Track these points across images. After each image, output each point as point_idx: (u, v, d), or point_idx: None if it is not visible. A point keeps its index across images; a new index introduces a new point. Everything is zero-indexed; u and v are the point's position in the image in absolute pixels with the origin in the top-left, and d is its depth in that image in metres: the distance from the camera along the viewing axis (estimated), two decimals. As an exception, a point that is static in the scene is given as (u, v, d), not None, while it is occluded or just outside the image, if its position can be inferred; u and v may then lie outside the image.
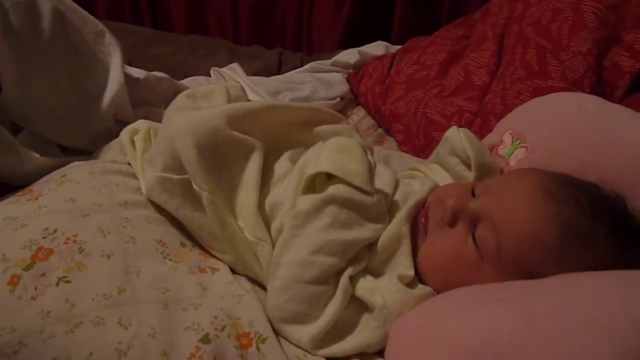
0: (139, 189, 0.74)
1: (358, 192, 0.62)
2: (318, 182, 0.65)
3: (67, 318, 0.55)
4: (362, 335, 0.62)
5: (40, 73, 0.80)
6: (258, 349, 0.59)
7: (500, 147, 0.84)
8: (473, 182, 0.73)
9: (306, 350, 0.62)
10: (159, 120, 0.79)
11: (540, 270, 0.59)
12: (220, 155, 0.68)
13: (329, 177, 0.64)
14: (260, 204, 0.68)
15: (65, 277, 0.58)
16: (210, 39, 1.70)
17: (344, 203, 0.62)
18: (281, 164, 0.73)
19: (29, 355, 0.53)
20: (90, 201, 0.68)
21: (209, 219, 0.67)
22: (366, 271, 0.65)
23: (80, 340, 0.54)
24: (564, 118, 0.80)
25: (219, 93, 0.79)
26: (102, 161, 0.80)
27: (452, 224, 0.65)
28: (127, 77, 0.92)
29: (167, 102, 0.78)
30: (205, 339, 0.57)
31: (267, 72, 1.46)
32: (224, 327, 0.59)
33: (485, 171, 0.77)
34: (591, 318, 0.49)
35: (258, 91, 1.24)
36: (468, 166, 0.78)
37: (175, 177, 0.69)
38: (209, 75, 1.33)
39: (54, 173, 0.77)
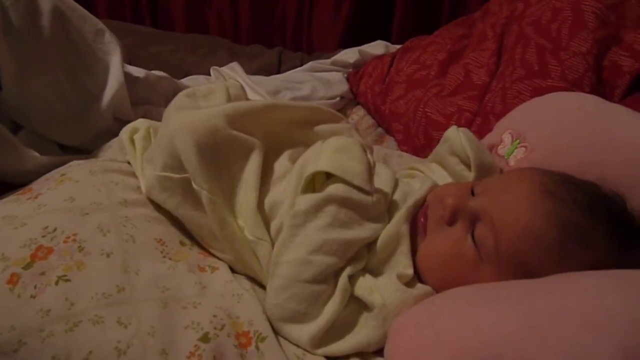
0: (139, 187, 0.74)
1: (357, 191, 0.63)
2: (317, 181, 0.65)
3: (66, 317, 0.55)
4: (361, 334, 0.62)
5: (39, 71, 0.80)
6: (257, 348, 0.59)
7: (499, 147, 0.84)
8: (472, 182, 0.73)
9: (305, 350, 0.62)
10: (159, 119, 0.79)
11: (539, 269, 0.59)
12: (220, 155, 0.68)
13: (329, 177, 0.64)
14: (260, 203, 0.68)
15: (65, 275, 0.58)
16: (210, 38, 1.70)
17: (343, 202, 0.62)
18: (281, 163, 0.73)
19: (28, 354, 0.53)
20: (90, 200, 0.68)
21: (209, 218, 0.67)
22: (365, 270, 0.65)
23: (79, 339, 0.54)
24: (563, 118, 0.80)
25: (218, 92, 0.79)
26: (101, 160, 0.80)
27: (451, 222, 0.65)
28: (127, 76, 0.92)
29: (166, 101, 0.78)
30: (205, 338, 0.57)
31: (267, 71, 1.46)
32: (223, 326, 0.59)
33: (484, 171, 0.77)
34: (590, 317, 0.49)
35: (258, 90, 1.24)
36: (467, 166, 0.78)
37: (175, 176, 0.69)
38: (209, 74, 1.34)
39: (53, 172, 0.77)
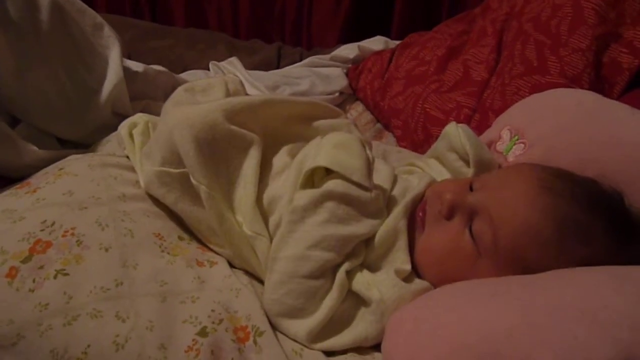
0: (137, 182, 0.74)
1: (356, 187, 0.63)
2: (317, 176, 0.65)
3: (64, 310, 0.56)
4: (359, 329, 0.62)
5: (38, 65, 0.80)
6: (255, 342, 0.59)
7: (498, 143, 0.84)
8: (471, 178, 0.73)
9: (303, 344, 0.62)
10: (158, 114, 0.78)
11: (537, 264, 0.60)
12: (218, 150, 0.68)
13: (328, 172, 0.64)
14: (259, 199, 0.68)
15: (63, 269, 0.58)
16: (209, 32, 1.70)
17: (342, 198, 0.62)
18: (279, 158, 0.73)
19: (26, 348, 0.53)
20: (89, 194, 0.68)
21: (207, 213, 0.67)
22: (363, 266, 0.65)
23: (77, 332, 0.54)
24: (562, 114, 0.80)
25: (217, 87, 0.79)
26: (100, 154, 0.80)
27: (449, 217, 0.65)
28: (126, 70, 0.92)
29: (165, 96, 0.78)
30: (203, 332, 0.57)
31: (266, 67, 1.45)
32: (221, 321, 0.59)
33: (483, 167, 0.77)
34: (588, 313, 0.49)
35: (257, 85, 1.24)
36: (466, 162, 0.78)
37: (174, 171, 0.69)
38: (208, 69, 1.33)
39: (52, 166, 0.77)
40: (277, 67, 1.48)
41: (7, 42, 0.77)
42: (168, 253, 0.65)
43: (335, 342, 0.62)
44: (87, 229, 0.63)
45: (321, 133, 0.76)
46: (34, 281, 0.57)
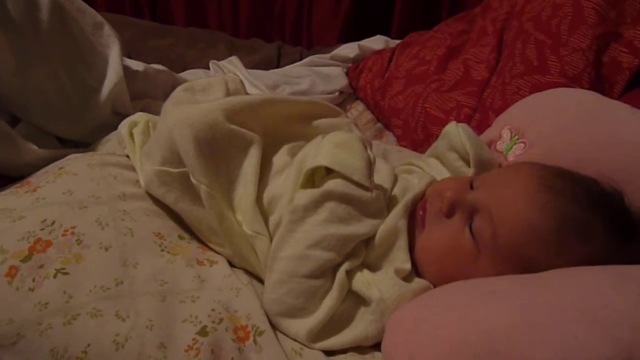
0: (137, 181, 0.74)
1: (357, 187, 0.63)
2: (317, 176, 0.65)
3: (64, 310, 0.56)
4: (358, 328, 0.62)
5: (38, 64, 0.80)
6: (255, 342, 0.59)
7: (498, 143, 0.84)
8: (471, 176, 0.73)
9: (303, 344, 0.62)
10: (158, 113, 0.78)
11: (537, 262, 0.60)
12: (218, 149, 0.68)
13: (329, 172, 0.64)
14: (259, 198, 0.68)
15: (63, 269, 0.58)
16: (209, 32, 1.69)
17: (342, 198, 0.62)
18: (279, 157, 0.73)
19: (26, 347, 0.53)
20: (88, 193, 0.68)
21: (207, 213, 0.67)
22: (363, 265, 0.65)
23: (77, 331, 0.54)
24: (562, 114, 0.80)
25: (217, 86, 0.79)
26: (100, 153, 0.80)
27: (449, 215, 0.65)
28: (126, 70, 0.92)
29: (165, 95, 0.78)
30: (203, 332, 0.57)
31: (266, 66, 1.45)
32: (221, 320, 0.59)
33: (484, 166, 0.77)
34: (587, 313, 0.49)
35: (257, 84, 1.24)
36: (466, 162, 0.78)
37: (174, 170, 0.69)
38: (208, 68, 1.33)
39: (51, 165, 0.77)
40: (277, 67, 1.48)
41: (7, 41, 0.77)
42: (168, 252, 0.65)
43: (335, 341, 0.62)
44: (87, 228, 0.63)
45: (321, 132, 0.76)
46: (33, 280, 0.57)
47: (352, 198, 0.62)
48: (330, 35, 1.84)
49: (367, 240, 0.65)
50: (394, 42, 1.49)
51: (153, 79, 1.01)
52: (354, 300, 0.63)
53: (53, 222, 0.63)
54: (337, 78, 1.40)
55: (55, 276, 0.58)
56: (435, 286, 0.64)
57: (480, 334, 0.51)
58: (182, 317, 0.58)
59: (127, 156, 0.79)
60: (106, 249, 0.62)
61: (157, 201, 0.72)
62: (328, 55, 1.48)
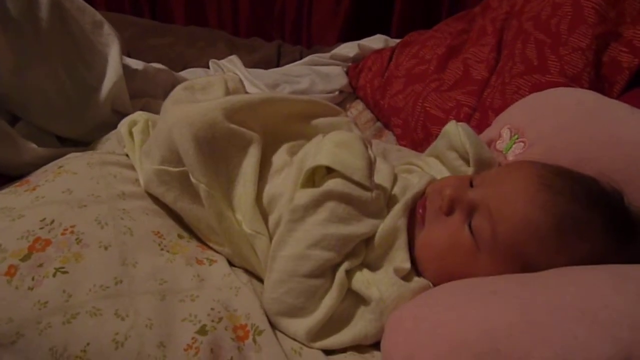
0: (137, 180, 0.74)
1: (357, 187, 0.63)
2: (317, 175, 0.65)
3: (64, 309, 0.55)
4: (358, 327, 0.62)
5: (37, 63, 0.80)
6: (254, 341, 0.59)
7: (498, 142, 0.84)
8: (471, 175, 0.73)
9: (302, 343, 0.62)
10: (157, 112, 0.78)
11: (536, 260, 0.60)
12: (218, 148, 0.67)
13: (329, 171, 0.64)
14: (258, 197, 0.68)
15: (63, 267, 0.58)
16: (209, 30, 1.69)
17: (343, 198, 0.62)
18: (279, 156, 0.73)
19: (26, 346, 0.53)
20: (88, 192, 0.68)
21: (207, 212, 0.67)
22: (363, 265, 0.65)
23: (77, 331, 0.54)
24: (562, 113, 0.80)
25: (217, 85, 0.79)
26: (99, 152, 0.80)
27: (449, 212, 0.65)
28: (126, 68, 0.92)
29: (165, 94, 0.78)
30: (202, 331, 0.57)
31: (266, 65, 1.45)
32: (220, 319, 0.59)
33: (483, 166, 0.77)
34: (587, 313, 0.49)
35: (256, 83, 1.24)
36: (466, 161, 0.78)
37: (173, 169, 0.68)
38: (208, 67, 1.33)
39: (51, 164, 0.76)
40: (277, 66, 1.48)
41: (7, 40, 0.77)
42: (167, 251, 0.65)
43: (334, 340, 0.62)
44: (86, 227, 0.63)
45: (321, 131, 0.76)
46: (33, 279, 0.57)
47: (353, 198, 0.62)
48: (330, 35, 1.84)
49: (367, 240, 0.65)
50: (394, 42, 1.49)
51: (153, 78, 1.01)
52: (354, 299, 0.63)
53: (52, 221, 0.63)
54: (336, 77, 1.40)
55: (54, 275, 0.58)
56: (435, 285, 0.64)
57: (480, 334, 0.51)
58: (182, 316, 0.58)
59: (127, 155, 0.78)
60: (105, 248, 0.62)
61: (156, 200, 0.72)
62: (328, 55, 1.48)
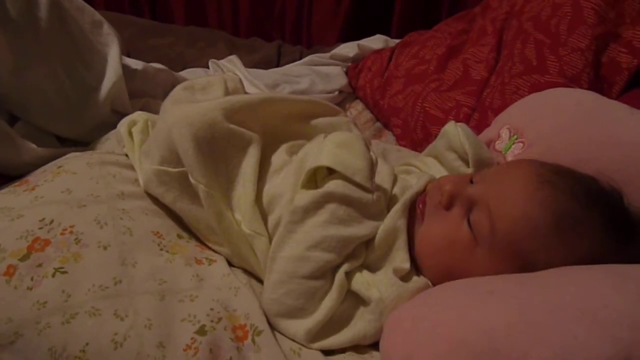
0: (136, 180, 0.74)
1: (358, 189, 0.62)
2: (318, 175, 0.65)
3: (63, 309, 0.55)
4: (357, 327, 0.62)
5: (37, 63, 0.80)
6: (254, 341, 0.59)
7: (497, 142, 0.84)
8: (471, 173, 0.73)
9: (301, 344, 0.62)
10: (157, 112, 0.78)
11: (534, 257, 0.60)
12: (217, 149, 0.67)
13: (330, 172, 0.64)
14: (258, 197, 0.68)
15: (62, 267, 0.58)
16: (209, 30, 1.69)
17: (343, 200, 0.62)
18: (278, 156, 0.73)
19: (25, 346, 0.53)
20: (87, 192, 0.68)
21: (206, 212, 0.67)
22: (363, 266, 0.65)
23: (76, 331, 0.54)
24: (561, 114, 0.80)
25: (216, 85, 0.79)
26: (99, 152, 0.80)
27: (448, 207, 0.65)
28: (125, 68, 0.92)
29: (165, 94, 0.78)
30: (201, 331, 0.57)
31: (266, 65, 1.45)
32: (220, 319, 0.59)
33: (483, 166, 0.77)
34: (587, 313, 0.49)
35: (256, 84, 1.24)
36: (465, 161, 0.78)
37: (172, 170, 0.68)
38: (208, 67, 1.33)
39: (50, 164, 0.76)
40: (277, 66, 1.48)
41: (6, 40, 0.77)
42: (167, 251, 0.65)
43: (333, 341, 0.62)
44: (85, 227, 0.63)
45: (320, 131, 0.76)
46: (32, 279, 0.57)
47: (353, 200, 0.62)
48: (330, 35, 1.84)
49: (367, 242, 0.65)
50: (394, 42, 1.49)
51: (152, 78, 1.01)
52: (353, 300, 0.63)
53: (52, 221, 0.63)
54: (336, 77, 1.40)
55: (53, 275, 0.58)
56: (434, 282, 0.65)
57: (479, 333, 0.51)
58: (181, 316, 0.58)
59: (126, 155, 0.78)
60: (105, 248, 0.62)
61: (156, 200, 0.72)
62: (328, 55, 1.48)
